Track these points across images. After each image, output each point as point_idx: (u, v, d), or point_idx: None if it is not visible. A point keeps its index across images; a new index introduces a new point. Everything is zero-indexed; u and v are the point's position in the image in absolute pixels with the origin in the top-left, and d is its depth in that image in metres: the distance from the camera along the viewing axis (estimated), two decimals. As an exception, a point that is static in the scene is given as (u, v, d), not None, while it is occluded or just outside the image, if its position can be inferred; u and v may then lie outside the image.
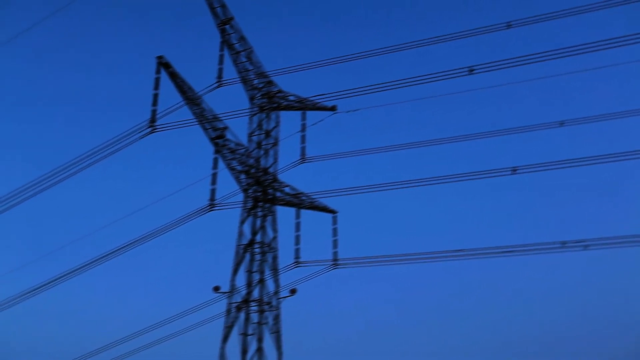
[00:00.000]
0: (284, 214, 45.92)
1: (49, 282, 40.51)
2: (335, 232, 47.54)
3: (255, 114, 44.30)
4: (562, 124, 42.29)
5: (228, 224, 44.31)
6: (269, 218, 42.51)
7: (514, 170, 42.04)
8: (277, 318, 40.70)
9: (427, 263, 42.77)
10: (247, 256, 40.76)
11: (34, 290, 40.64)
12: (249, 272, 40.41)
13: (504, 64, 38.89)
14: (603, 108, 42.56)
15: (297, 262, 45.50)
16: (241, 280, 40.44)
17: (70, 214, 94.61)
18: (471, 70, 39.52)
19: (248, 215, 41.86)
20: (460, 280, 77.38)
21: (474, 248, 41.29)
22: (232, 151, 42.40)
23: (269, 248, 41.80)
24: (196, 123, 40.87)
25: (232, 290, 40.10)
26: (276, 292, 41.31)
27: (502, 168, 42.19)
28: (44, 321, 74.72)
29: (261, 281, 40.59)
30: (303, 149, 47.46)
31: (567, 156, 41.50)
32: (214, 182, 41.86)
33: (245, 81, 43.81)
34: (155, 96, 39.41)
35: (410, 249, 42.89)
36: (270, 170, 43.48)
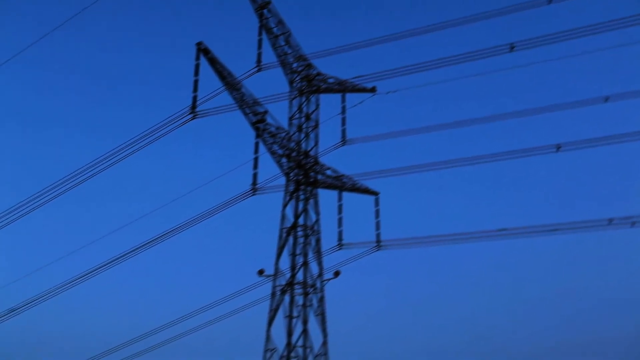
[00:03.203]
0: (326, 197, 46.01)
1: (92, 271, 41.20)
2: (377, 213, 47.49)
3: (295, 98, 44.32)
4: (607, 99, 41.43)
5: (270, 208, 44.57)
6: (311, 201, 42.62)
7: (558, 148, 41.39)
8: (321, 300, 40.91)
9: (470, 243, 42.57)
10: (291, 239, 40.97)
11: (81, 277, 41.38)
12: (293, 255, 40.63)
13: (546, 40, 38.25)
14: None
15: (341, 244, 45.59)
16: (285, 263, 40.75)
17: (112, 201, 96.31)
18: (512, 48, 38.94)
19: (290, 199, 42.03)
20: (502, 259, 76.93)
21: (518, 227, 40.88)
22: (273, 135, 42.53)
23: (312, 231, 41.93)
24: (237, 108, 41.06)
25: (277, 273, 40.39)
26: (320, 275, 41.50)
27: (545, 145, 41.59)
28: (87, 308, 76.55)
29: (305, 264, 40.77)
30: (343, 132, 47.34)
31: (611, 132, 40.74)
32: (255, 166, 42.05)
33: (284, 65, 43.81)
34: (196, 82, 39.64)
35: (453, 229, 42.69)
36: (312, 153, 43.53)
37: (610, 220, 38.95)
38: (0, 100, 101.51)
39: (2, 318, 41.19)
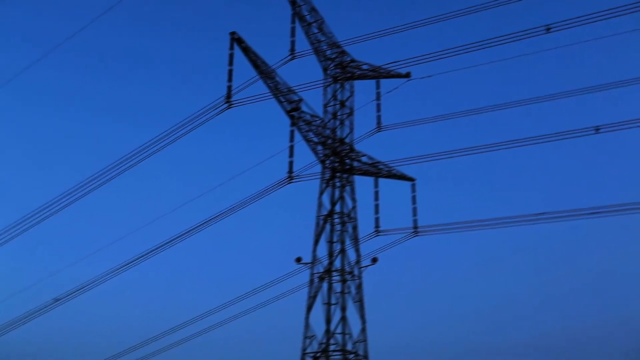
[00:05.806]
0: (362, 184, 45.91)
1: (131, 262, 41.72)
2: (414, 199, 47.29)
3: (329, 85, 44.26)
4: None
5: (307, 196, 44.67)
6: (347, 188, 42.59)
7: (597, 130, 40.72)
8: (359, 287, 40.91)
9: (509, 227, 42.15)
10: (328, 227, 41.03)
11: (125, 265, 41.90)
12: (330, 242, 40.68)
13: (582, 20, 37.59)
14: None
15: (377, 231, 45.52)
16: (322, 250, 40.82)
17: (148, 192, 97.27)
18: (548, 29, 38.36)
19: (327, 186, 42.06)
20: (542, 244, 76.14)
21: (557, 211, 40.34)
22: (308, 123, 42.55)
23: (349, 218, 41.92)
24: (271, 97, 41.17)
25: (314, 260, 40.52)
26: (357, 262, 41.49)
27: (584, 127, 40.90)
28: (130, 297, 77.73)
29: (342, 251, 40.80)
30: (378, 118, 47.26)
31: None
32: (291, 154, 42.20)
33: (317, 52, 43.75)
34: (230, 72, 39.83)
35: (491, 214, 42.31)
36: (347, 140, 43.45)
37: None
38: (43, 87, 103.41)
39: (48, 307, 42.08)
